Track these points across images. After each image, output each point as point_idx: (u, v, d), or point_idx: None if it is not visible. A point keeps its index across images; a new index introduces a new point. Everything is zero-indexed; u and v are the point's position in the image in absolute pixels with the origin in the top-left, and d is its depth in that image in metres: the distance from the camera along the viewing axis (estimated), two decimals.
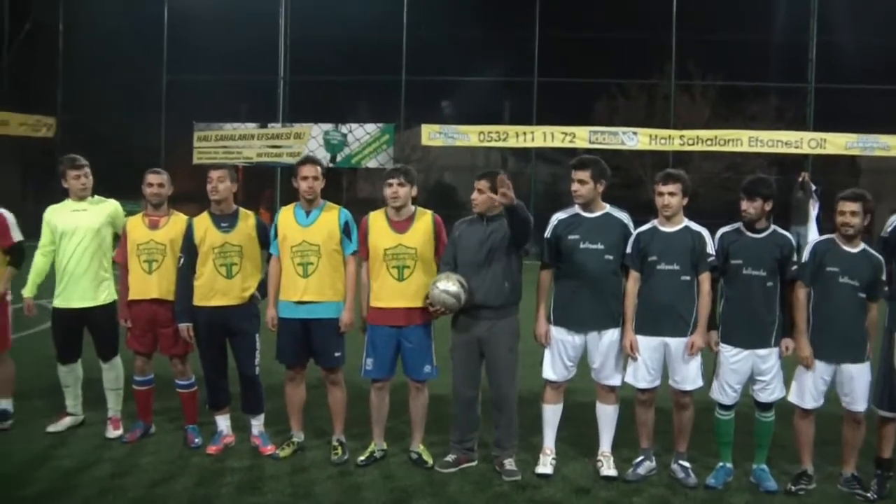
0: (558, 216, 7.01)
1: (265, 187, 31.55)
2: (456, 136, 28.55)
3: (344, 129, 29.41)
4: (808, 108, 29.27)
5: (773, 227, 6.82)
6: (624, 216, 6.94)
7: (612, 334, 6.89)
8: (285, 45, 31.30)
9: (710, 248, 6.77)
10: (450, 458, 7.07)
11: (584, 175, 6.85)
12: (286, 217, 7.25)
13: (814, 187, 22.23)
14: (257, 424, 7.54)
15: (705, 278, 6.75)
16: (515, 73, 30.99)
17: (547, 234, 7.00)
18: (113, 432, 7.68)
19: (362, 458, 7.10)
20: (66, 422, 7.86)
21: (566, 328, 6.91)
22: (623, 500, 6.48)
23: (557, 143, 28.09)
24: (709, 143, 28.44)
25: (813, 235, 25.33)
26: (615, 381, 6.97)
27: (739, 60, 31.05)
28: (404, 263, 6.97)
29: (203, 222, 7.36)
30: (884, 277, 6.59)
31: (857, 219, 6.54)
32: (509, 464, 6.95)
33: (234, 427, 7.61)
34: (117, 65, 30.17)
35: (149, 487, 6.50)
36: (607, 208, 6.97)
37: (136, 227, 7.59)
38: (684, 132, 28.61)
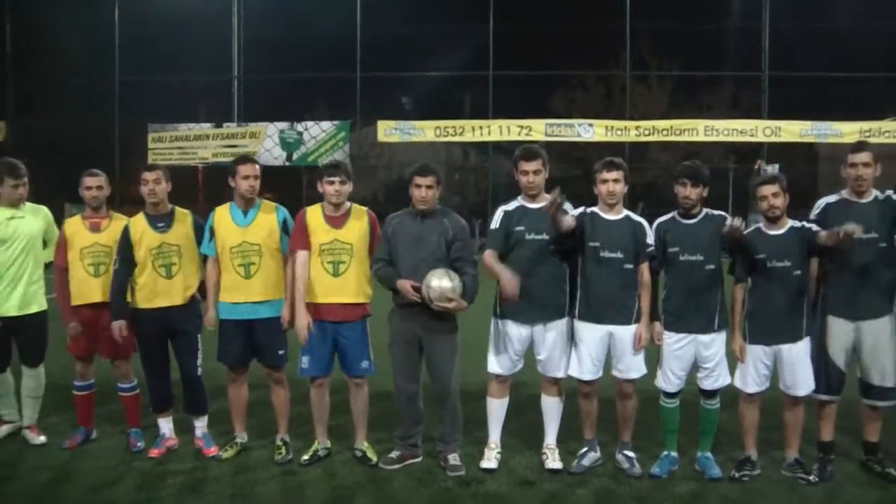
0: (504, 208, 6.96)
1: (226, 187, 31.24)
2: (412, 131, 28.49)
3: (300, 127, 29.27)
4: (763, 97, 29.45)
5: (705, 210, 6.81)
6: (568, 205, 6.84)
7: (558, 326, 6.84)
8: (239, 45, 31.08)
9: (650, 238, 6.76)
10: (394, 454, 7.01)
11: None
12: (222, 218, 7.16)
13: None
14: (200, 426, 7.45)
15: (645, 268, 6.74)
16: (472, 67, 30.98)
17: (495, 224, 6.93)
18: (36, 439, 7.53)
19: (306, 457, 7.03)
20: (4, 430, 7.71)
21: (513, 321, 6.86)
22: (567, 492, 6.45)
23: (514, 137, 28.09)
24: (665, 133, 28.55)
25: None
26: (560, 373, 6.93)
27: (695, 50, 31.25)
28: (340, 259, 6.91)
29: (139, 224, 7.24)
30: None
31: (779, 199, 6.55)
32: (453, 458, 6.90)
33: (178, 430, 7.50)
34: (69, 66, 29.82)
35: (88, 493, 6.38)
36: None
37: (78, 230, 7.45)
38: (640, 123, 28.73)
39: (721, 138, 28.35)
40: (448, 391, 6.94)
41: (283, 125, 29.30)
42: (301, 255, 6.93)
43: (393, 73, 31.27)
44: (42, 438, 7.55)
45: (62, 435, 7.61)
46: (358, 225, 7.04)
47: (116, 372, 7.56)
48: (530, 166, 6.83)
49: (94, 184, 7.49)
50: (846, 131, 27.02)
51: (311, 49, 30.81)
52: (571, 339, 6.90)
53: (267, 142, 29.04)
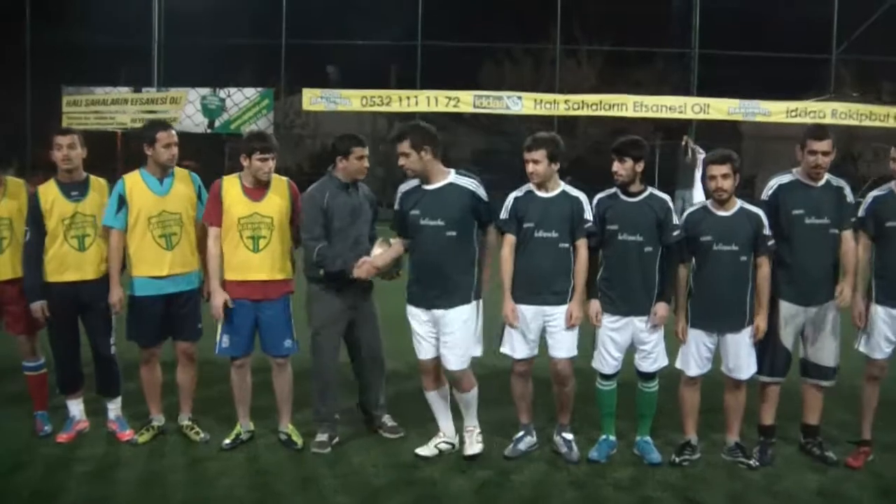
0: (402, 188, 6.55)
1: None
2: (338, 100, 27.93)
3: (222, 93, 28.52)
4: (692, 74, 29.53)
5: (649, 189, 6.54)
6: (471, 183, 6.39)
7: (461, 311, 6.39)
8: (160, 6, 30.08)
9: (588, 214, 6.44)
10: (324, 437, 6.70)
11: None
12: (136, 186, 6.65)
13: (700, 152, 22.38)
14: (114, 408, 6.98)
15: (582, 244, 6.43)
16: (401, 37, 30.48)
17: (396, 206, 6.55)
18: None
19: (227, 440, 6.66)
20: None
21: (416, 306, 6.50)
22: (501, 479, 6.18)
23: (441, 108, 27.73)
24: (594, 107, 28.44)
25: (699, 199, 25.71)
26: (476, 351, 6.57)
27: (625, 26, 31.18)
28: (259, 233, 6.53)
29: (50, 191, 6.70)
30: (766, 232, 6.35)
31: (728, 181, 6.32)
32: (389, 420, 6.98)
33: (88, 412, 7.03)
34: None
35: None
36: (451, 177, 6.42)
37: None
38: (569, 97, 28.57)
39: (650, 114, 28.32)
40: (381, 357, 7.02)
41: (205, 91, 28.53)
42: (212, 231, 6.55)
43: (320, 42, 30.63)
44: None
45: None
46: (278, 197, 6.66)
47: (21, 349, 7.01)
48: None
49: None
50: (773, 110, 27.23)
51: (236, 14, 30.02)
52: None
53: (188, 108, 28.24)
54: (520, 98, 28.33)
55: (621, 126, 32.54)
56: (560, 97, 28.58)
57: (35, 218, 6.65)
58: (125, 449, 6.61)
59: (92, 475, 6.08)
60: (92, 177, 6.87)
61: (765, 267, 6.39)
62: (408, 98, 27.99)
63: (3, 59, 29.07)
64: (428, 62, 29.48)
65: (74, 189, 6.74)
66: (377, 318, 6.97)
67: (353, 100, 27.99)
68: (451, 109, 27.85)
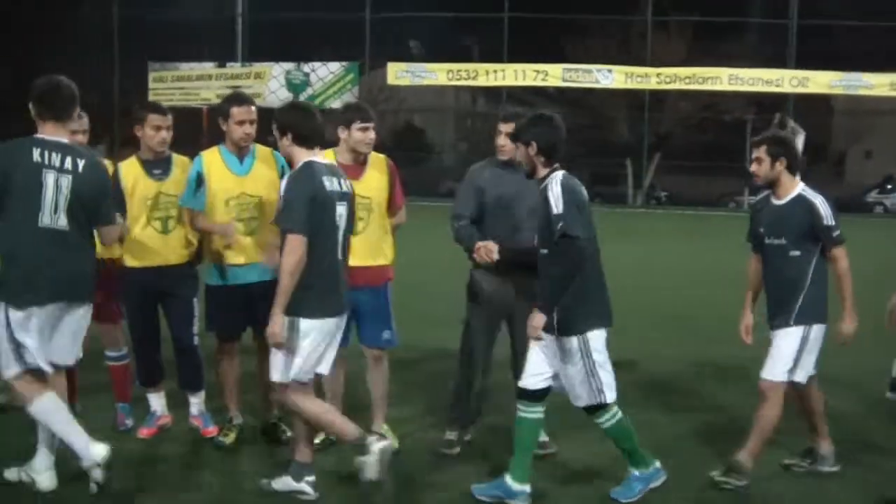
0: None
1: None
2: (424, 74, 27.60)
3: (306, 68, 28.35)
4: (790, 46, 28.38)
5: (558, 174, 5.45)
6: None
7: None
8: None
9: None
10: (452, 435, 6.25)
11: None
12: (214, 164, 6.16)
13: (800, 131, 21.39)
14: (197, 402, 6.54)
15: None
16: (485, 8, 29.86)
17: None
18: None
19: (316, 440, 6.12)
20: None
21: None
22: None
23: (529, 82, 27.22)
24: (687, 81, 27.65)
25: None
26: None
27: None
28: (358, 215, 5.94)
29: (132, 169, 6.29)
30: (828, 222, 5.57)
31: (761, 166, 5.64)
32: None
33: (171, 405, 6.63)
34: (67, 2, 28.82)
35: (63, 484, 5.41)
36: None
37: None
38: (661, 70, 27.74)
39: (745, 88, 27.44)
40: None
41: (290, 66, 28.43)
42: None
43: (403, 14, 30.24)
44: None
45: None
46: (377, 176, 6.13)
47: (104, 338, 6.63)
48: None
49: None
50: (876, 83, 26.05)
51: None
52: None
53: (272, 83, 28.22)
54: (610, 71, 27.65)
55: (712, 100, 31.70)
56: (652, 70, 27.82)
57: (116, 197, 6.23)
58: (208, 447, 6.22)
59: (179, 475, 5.70)
60: (175, 154, 6.43)
61: (841, 261, 5.59)
62: (494, 72, 27.52)
63: (91, 37, 29.27)
64: (513, 34, 28.87)
65: (157, 167, 6.30)
66: None
67: (438, 73, 27.60)
68: (538, 83, 27.30)
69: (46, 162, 5.15)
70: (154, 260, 6.26)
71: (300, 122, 5.34)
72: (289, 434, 6.21)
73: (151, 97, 27.70)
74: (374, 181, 6.10)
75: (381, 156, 6.27)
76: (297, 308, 5.08)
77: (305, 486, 5.32)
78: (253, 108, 6.17)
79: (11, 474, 5.49)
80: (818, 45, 28.55)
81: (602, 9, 31.27)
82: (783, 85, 27.05)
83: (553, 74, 27.38)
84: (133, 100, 26.92)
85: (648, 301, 11.67)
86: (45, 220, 5.16)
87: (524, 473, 5.35)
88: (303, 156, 5.30)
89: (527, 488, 5.35)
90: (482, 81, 27.88)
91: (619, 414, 5.41)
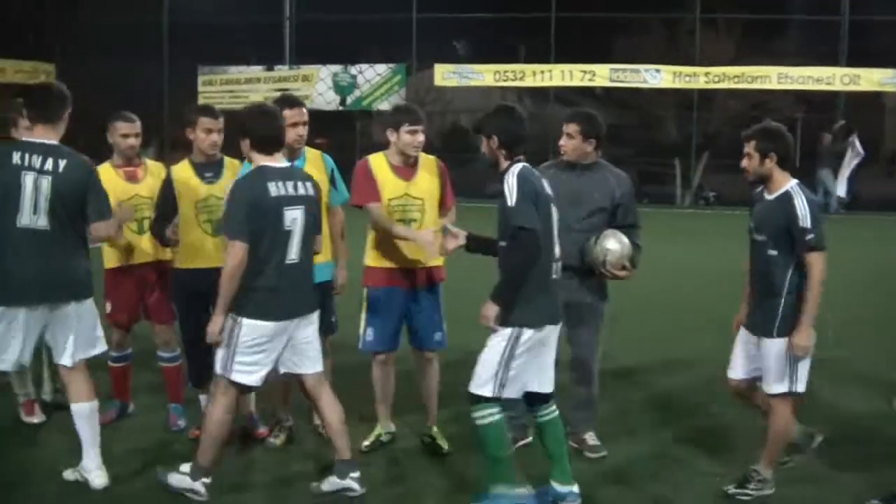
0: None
1: None
2: (471, 75, 27.55)
3: (353, 70, 28.42)
4: (842, 43, 27.92)
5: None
6: None
7: None
8: None
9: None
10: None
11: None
12: None
13: (860, 153, 21.10)
14: (247, 404, 6.58)
15: None
16: (532, 8, 29.69)
17: None
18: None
19: (366, 442, 6.24)
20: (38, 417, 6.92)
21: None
22: None
23: (576, 82, 27.02)
24: (736, 80, 27.27)
25: (841, 191, 24.37)
26: None
27: None
28: (411, 216, 6.06)
29: (184, 172, 6.37)
30: (804, 224, 5.30)
31: (750, 161, 5.50)
32: (591, 438, 6.20)
33: None
34: (117, 7, 29.12)
35: (115, 484, 5.53)
36: None
37: (111, 180, 6.45)
38: (710, 69, 27.42)
39: (795, 86, 27.00)
40: (590, 366, 6.14)
41: (337, 68, 28.52)
42: (374, 206, 6.02)
43: (450, 14, 30.17)
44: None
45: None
46: (429, 177, 6.14)
47: (158, 338, 6.75)
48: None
49: (132, 131, 6.61)
50: None
51: None
52: None
53: (320, 85, 28.29)
54: (658, 71, 27.39)
55: (761, 99, 31.24)
56: (700, 69, 27.50)
57: (167, 198, 6.31)
58: (258, 448, 6.24)
59: (227, 477, 5.70)
60: (226, 157, 6.50)
61: (814, 268, 5.28)
62: (541, 72, 27.38)
63: (142, 42, 29.59)
64: (559, 34, 28.71)
65: (209, 170, 6.38)
66: (598, 318, 6.19)
67: (485, 74, 27.54)
68: (586, 83, 27.12)
69: (26, 164, 5.24)
70: (204, 262, 6.29)
71: (257, 126, 5.35)
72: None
73: (201, 100, 27.92)
74: (426, 182, 6.12)
75: (432, 157, 6.29)
76: (240, 308, 5.20)
77: (351, 482, 5.34)
78: (304, 109, 6.21)
79: (69, 475, 5.58)
80: (869, 41, 28.09)
81: (650, 7, 30.95)
82: (834, 83, 26.62)
83: (600, 74, 27.18)
84: (182, 103, 27.20)
85: (697, 303, 11.55)
86: (24, 220, 5.25)
87: (509, 476, 5.27)
88: (259, 160, 5.32)
89: (574, 487, 5.33)
90: (529, 82, 27.74)
91: (496, 418, 5.19)
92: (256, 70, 29.07)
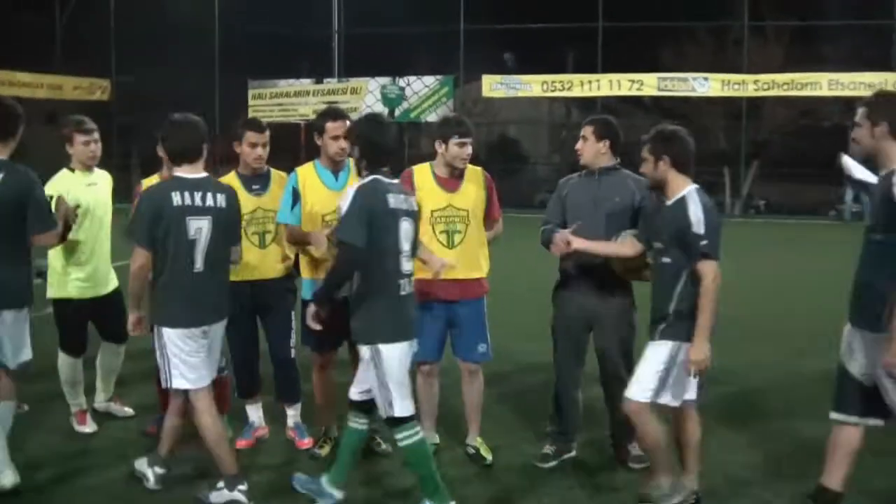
0: None
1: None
2: (518, 86, 27.59)
3: (402, 82, 28.61)
4: (894, 47, 27.53)
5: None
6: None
7: None
8: None
9: None
10: (548, 450, 6.16)
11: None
12: (309, 180, 6.24)
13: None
14: (293, 415, 6.69)
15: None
16: (579, 18, 29.66)
17: None
18: (123, 410, 7.15)
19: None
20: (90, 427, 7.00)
21: None
22: None
23: (624, 92, 26.95)
24: (785, 87, 27.01)
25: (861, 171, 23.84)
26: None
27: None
28: (455, 227, 6.06)
29: (230, 184, 6.42)
30: (697, 230, 4.96)
31: (645, 165, 5.28)
32: (635, 447, 6.00)
33: (267, 418, 6.79)
34: (170, 23, 29.59)
35: (163, 492, 5.65)
36: None
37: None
38: (759, 77, 27.17)
39: (847, 92, 26.61)
40: (621, 375, 5.87)
41: (385, 80, 28.71)
42: None
43: (497, 26, 30.26)
44: (129, 410, 7.14)
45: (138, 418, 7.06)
46: (474, 189, 6.16)
47: None
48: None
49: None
50: None
51: (412, 2, 29.97)
52: None
53: (368, 97, 28.53)
54: (706, 79, 27.20)
55: (810, 106, 30.86)
56: (749, 77, 27.27)
57: None
58: (304, 459, 6.31)
59: (272, 485, 5.79)
60: (273, 170, 6.58)
61: (706, 278, 4.92)
62: (589, 82, 27.33)
63: (193, 56, 30.01)
64: (607, 44, 28.64)
65: (256, 183, 6.45)
66: (626, 325, 6.05)
67: (533, 85, 27.56)
68: (634, 93, 27.01)
69: None
70: (251, 274, 6.37)
71: (169, 136, 5.53)
72: (384, 446, 6.28)
73: (251, 114, 28.25)
74: (471, 194, 6.13)
75: (478, 168, 6.30)
76: (159, 318, 5.38)
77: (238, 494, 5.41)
78: (347, 122, 6.17)
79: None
80: None
81: (697, 15, 30.77)
82: (887, 88, 26.26)
83: (648, 83, 27.06)
84: (233, 117, 27.52)
85: (746, 312, 11.42)
86: None
87: (341, 476, 5.38)
88: (175, 171, 5.48)
89: (336, 493, 5.37)
90: (577, 92, 27.70)
91: (418, 437, 5.19)
92: (306, 83, 29.35)
